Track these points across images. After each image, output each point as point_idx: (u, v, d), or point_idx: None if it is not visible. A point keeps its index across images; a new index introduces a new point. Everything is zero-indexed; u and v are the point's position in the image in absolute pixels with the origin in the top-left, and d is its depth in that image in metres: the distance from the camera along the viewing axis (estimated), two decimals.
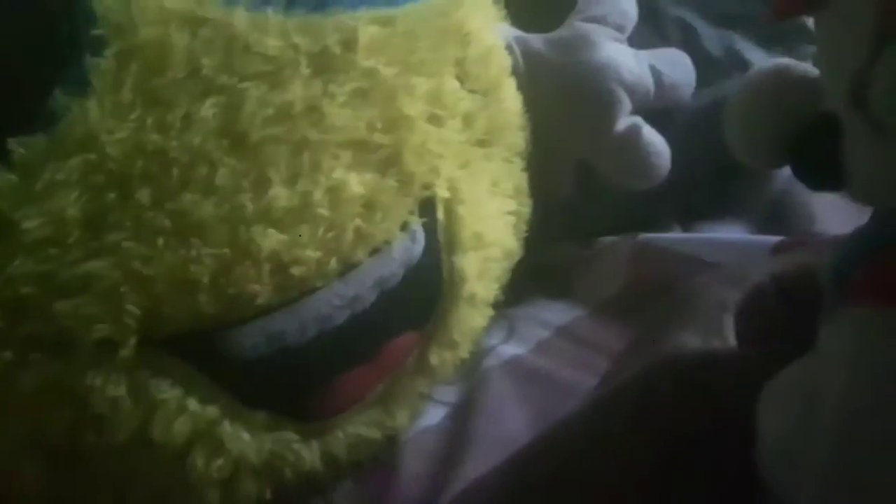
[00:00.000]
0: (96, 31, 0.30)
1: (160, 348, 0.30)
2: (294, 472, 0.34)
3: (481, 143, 0.40)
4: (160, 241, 0.29)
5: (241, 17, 0.32)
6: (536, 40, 0.46)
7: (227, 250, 0.29)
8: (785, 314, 0.25)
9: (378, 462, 0.37)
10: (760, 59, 0.50)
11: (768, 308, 0.26)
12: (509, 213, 0.42)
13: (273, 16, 0.32)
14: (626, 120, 0.45)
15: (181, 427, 0.30)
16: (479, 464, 0.34)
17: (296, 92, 0.32)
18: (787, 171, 0.23)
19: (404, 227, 0.35)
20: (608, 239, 0.47)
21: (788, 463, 0.19)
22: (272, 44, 0.32)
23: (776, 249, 0.40)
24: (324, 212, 0.31)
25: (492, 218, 0.40)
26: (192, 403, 0.30)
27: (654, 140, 0.45)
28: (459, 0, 0.41)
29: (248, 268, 0.30)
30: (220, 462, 0.32)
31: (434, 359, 0.38)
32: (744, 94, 0.24)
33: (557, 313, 0.44)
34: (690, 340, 0.34)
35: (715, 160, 0.47)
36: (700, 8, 0.52)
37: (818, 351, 0.20)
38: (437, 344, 0.37)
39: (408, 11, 0.37)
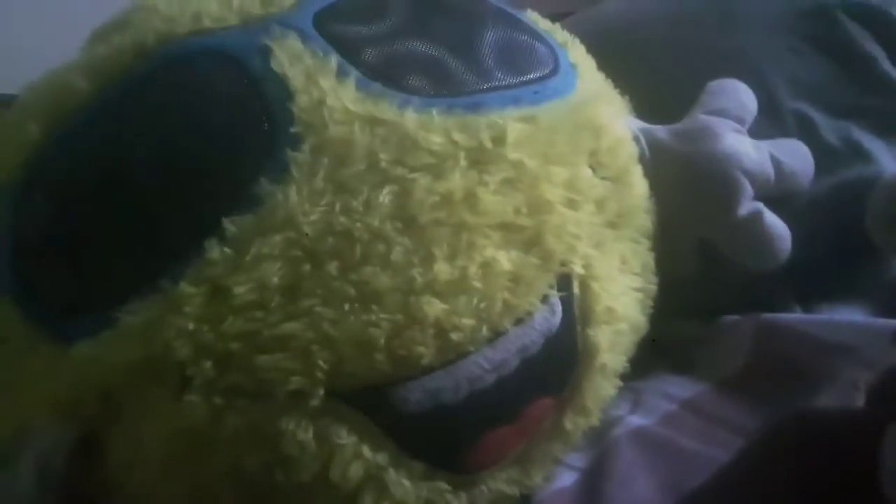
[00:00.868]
0: (293, 129, 0.36)
1: (341, 400, 0.34)
2: None
3: (612, 225, 0.44)
4: (346, 307, 0.33)
5: (410, 118, 0.37)
6: (661, 131, 0.50)
7: (400, 316, 0.34)
8: None
9: None
10: (880, 150, 0.52)
11: None
12: (637, 289, 0.45)
13: (437, 117, 0.38)
14: (748, 205, 0.48)
15: (355, 471, 0.34)
16: None
17: (456, 181, 0.36)
18: None
19: (544, 299, 0.38)
20: (731, 317, 0.49)
21: None
22: (436, 140, 0.37)
23: None
24: (478, 284, 0.35)
25: (621, 294, 0.43)
26: (365, 450, 0.34)
27: (776, 224, 0.48)
28: (592, 96, 0.45)
29: (416, 332, 0.34)
30: None
31: (568, 424, 0.40)
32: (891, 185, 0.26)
33: (681, 387, 0.46)
34: None
35: (835, 243, 0.49)
36: (818, 100, 0.54)
37: None
38: (571, 410, 0.40)
39: (548, 109, 0.42)
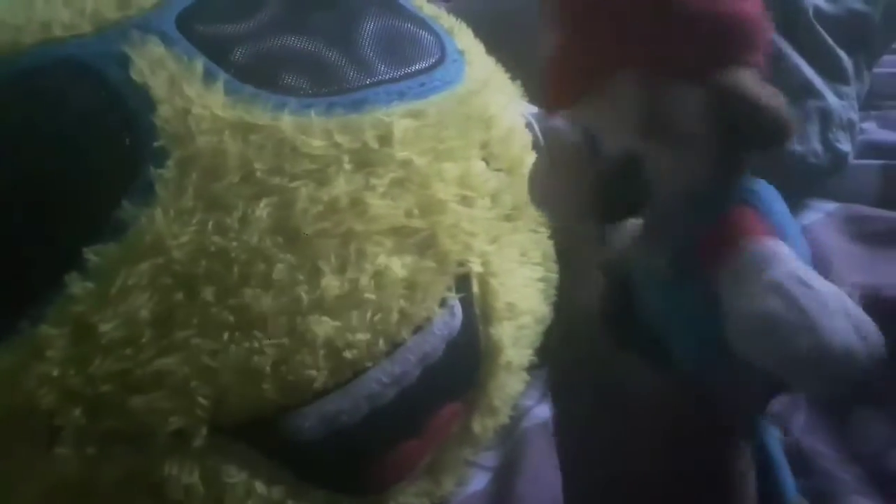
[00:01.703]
0: (157, 143, 0.33)
1: (227, 435, 0.32)
2: None
3: (509, 218, 0.43)
4: (225, 335, 0.31)
5: (287, 122, 0.34)
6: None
7: (286, 340, 0.32)
8: None
9: None
10: None
11: None
12: (538, 279, 0.44)
13: (316, 118, 0.35)
14: None
15: None
16: None
17: (340, 187, 0.34)
18: None
19: (443, 303, 0.37)
20: None
21: None
22: (316, 144, 0.35)
23: None
24: (371, 296, 0.34)
25: (522, 287, 0.42)
26: (259, 486, 0.33)
27: None
28: (481, 85, 0.44)
29: (305, 355, 0.32)
30: None
31: (477, 427, 0.40)
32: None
33: None
34: None
35: None
36: None
37: None
38: (478, 412, 0.39)
39: (435, 102, 0.40)
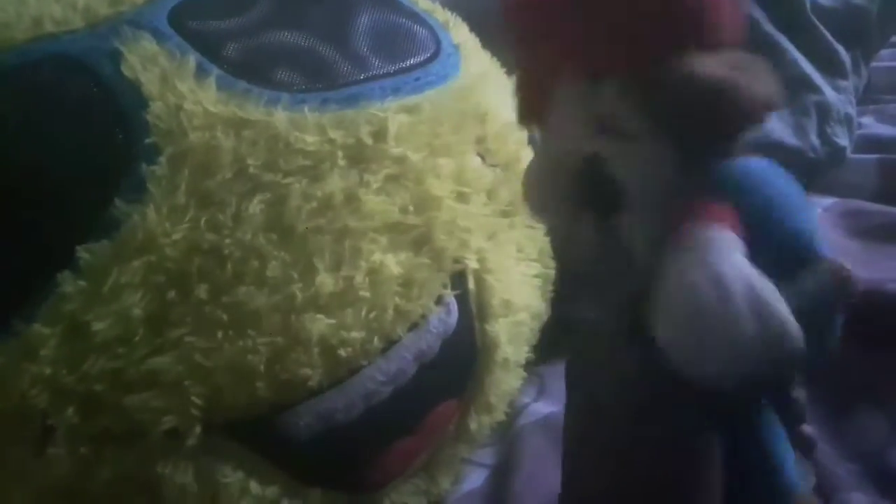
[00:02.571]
0: (149, 140, 0.33)
1: (222, 434, 0.32)
2: None
3: (505, 214, 0.42)
4: (219, 334, 0.31)
5: (280, 117, 0.34)
6: None
7: (280, 338, 0.31)
8: None
9: None
10: None
11: None
12: (535, 276, 0.44)
13: (309, 113, 0.35)
14: None
15: None
16: None
17: (335, 183, 0.34)
18: None
19: (439, 300, 0.37)
20: None
21: None
22: (310, 140, 0.34)
23: None
24: (365, 293, 0.34)
25: (519, 283, 0.42)
26: (254, 485, 0.32)
27: None
28: (477, 80, 0.43)
29: (299, 353, 0.32)
30: None
31: (473, 424, 0.39)
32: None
33: None
34: None
35: None
36: None
37: None
38: (475, 409, 0.39)
39: (431, 97, 0.40)
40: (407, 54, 0.41)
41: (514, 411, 0.43)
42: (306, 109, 0.35)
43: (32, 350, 0.30)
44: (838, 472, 0.38)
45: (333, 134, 0.35)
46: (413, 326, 0.36)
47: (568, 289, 0.47)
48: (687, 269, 0.24)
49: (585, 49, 0.25)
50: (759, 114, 0.25)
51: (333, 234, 0.33)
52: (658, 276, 0.25)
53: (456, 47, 0.45)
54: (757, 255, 0.25)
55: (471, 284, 0.39)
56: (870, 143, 0.63)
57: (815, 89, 0.60)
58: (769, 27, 0.58)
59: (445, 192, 0.38)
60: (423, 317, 0.36)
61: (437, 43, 0.43)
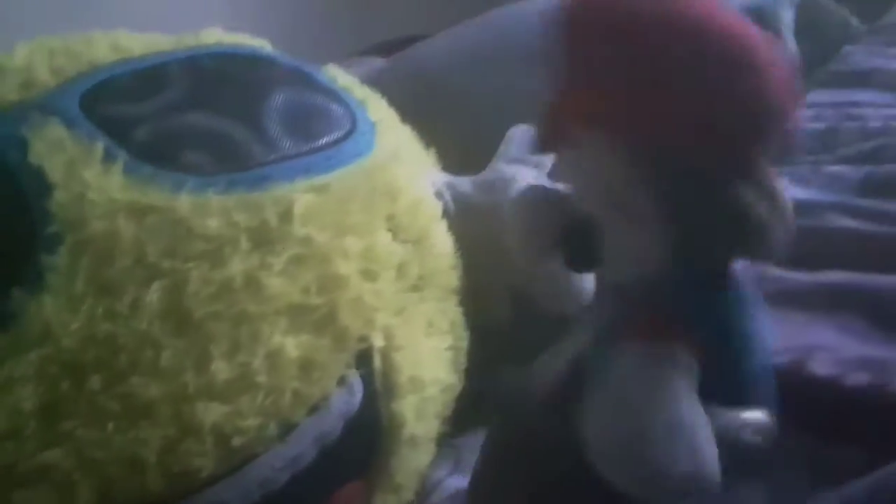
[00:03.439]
0: (50, 229, 0.33)
1: None
2: None
3: (415, 288, 0.43)
4: (110, 426, 0.31)
5: (184, 202, 0.35)
6: (465, 183, 0.50)
7: (172, 428, 0.32)
8: None
9: None
10: None
11: None
12: (447, 349, 0.44)
13: (214, 196, 0.35)
14: None
15: None
16: None
17: (235, 267, 0.34)
18: None
19: (342, 381, 0.37)
20: None
21: None
22: (213, 224, 0.35)
23: None
24: (262, 379, 0.34)
25: (429, 358, 0.43)
26: None
27: None
28: (390, 156, 0.45)
29: (191, 443, 0.32)
30: None
31: None
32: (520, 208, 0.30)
33: None
34: None
35: None
36: None
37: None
38: (381, 490, 0.39)
39: (341, 176, 0.41)
40: (320, 133, 0.42)
41: (429, 487, 0.43)
42: (211, 192, 0.35)
43: None
44: None
45: (238, 217, 0.36)
46: (313, 409, 0.36)
47: (489, 358, 0.49)
48: (626, 383, 0.24)
49: (643, 123, 0.23)
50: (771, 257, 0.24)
51: (231, 318, 0.34)
52: (599, 369, 0.26)
53: (373, 124, 0.46)
54: (706, 380, 0.25)
55: (377, 363, 0.39)
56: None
57: None
58: None
59: (352, 271, 0.38)
60: (325, 398, 0.36)
61: (353, 120, 0.44)
